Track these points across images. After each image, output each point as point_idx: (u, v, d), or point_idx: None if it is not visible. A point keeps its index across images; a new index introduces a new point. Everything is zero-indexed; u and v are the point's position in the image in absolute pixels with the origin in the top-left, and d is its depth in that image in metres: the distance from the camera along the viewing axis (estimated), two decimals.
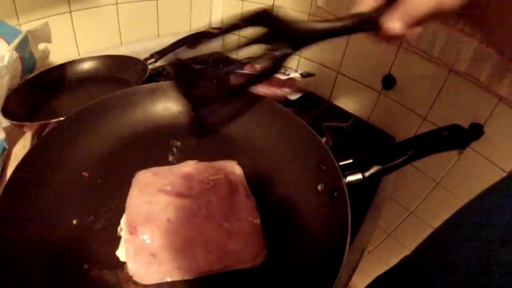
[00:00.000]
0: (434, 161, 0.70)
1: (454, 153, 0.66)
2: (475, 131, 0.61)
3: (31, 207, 0.35)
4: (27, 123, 0.49)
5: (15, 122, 0.49)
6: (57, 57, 0.65)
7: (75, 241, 0.34)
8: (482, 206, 0.31)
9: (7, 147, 0.49)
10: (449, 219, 0.34)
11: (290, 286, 0.31)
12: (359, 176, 0.36)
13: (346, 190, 0.33)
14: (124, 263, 0.31)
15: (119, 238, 0.33)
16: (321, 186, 0.37)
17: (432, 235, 0.36)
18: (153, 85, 0.48)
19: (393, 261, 0.93)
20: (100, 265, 0.32)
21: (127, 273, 0.31)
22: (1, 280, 0.26)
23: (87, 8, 0.66)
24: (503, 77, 0.53)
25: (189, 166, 0.38)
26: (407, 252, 0.97)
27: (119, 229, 0.34)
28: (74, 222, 0.36)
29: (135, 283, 0.30)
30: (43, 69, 0.61)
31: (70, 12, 0.64)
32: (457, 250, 0.28)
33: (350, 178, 0.36)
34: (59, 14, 0.63)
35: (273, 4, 0.80)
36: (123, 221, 0.34)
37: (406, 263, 0.38)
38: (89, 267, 0.32)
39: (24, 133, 0.54)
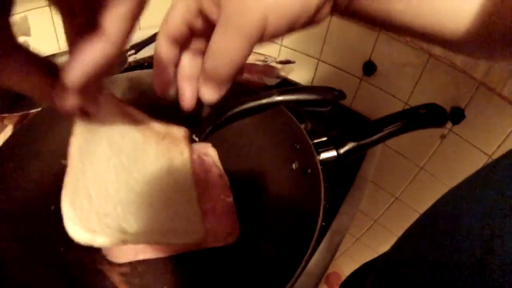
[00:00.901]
0: (417, 146, 0.71)
1: (436, 138, 0.67)
2: (456, 115, 0.62)
3: (10, 195, 0.35)
4: (7, 115, 0.49)
5: None
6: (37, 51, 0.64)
7: (52, 226, 0.34)
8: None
9: None
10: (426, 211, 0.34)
11: (262, 263, 0.32)
12: (333, 153, 0.37)
13: (319, 166, 0.34)
14: None
15: None
16: (295, 165, 0.37)
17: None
18: (130, 73, 0.49)
19: (381, 247, 0.95)
20: (76, 247, 0.32)
21: (102, 253, 0.31)
22: None
23: None
24: (478, 61, 0.55)
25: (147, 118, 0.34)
26: (394, 238, 0.99)
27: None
28: (52, 208, 0.36)
29: (110, 262, 0.30)
30: None
31: (50, 5, 0.64)
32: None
33: (324, 155, 0.36)
34: (38, 7, 0.63)
35: None
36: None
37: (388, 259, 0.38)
38: (65, 250, 0.32)
39: (5, 127, 0.54)
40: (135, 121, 0.32)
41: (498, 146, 0.58)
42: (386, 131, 0.41)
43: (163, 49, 0.24)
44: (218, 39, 0.20)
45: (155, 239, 0.25)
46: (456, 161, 0.67)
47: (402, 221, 0.83)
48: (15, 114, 0.48)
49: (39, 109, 0.45)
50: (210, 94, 0.23)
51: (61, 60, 0.66)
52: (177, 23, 0.23)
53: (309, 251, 0.28)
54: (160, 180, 0.30)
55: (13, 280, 0.29)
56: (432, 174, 0.71)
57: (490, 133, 0.59)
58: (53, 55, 0.65)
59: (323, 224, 0.42)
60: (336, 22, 0.70)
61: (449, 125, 0.63)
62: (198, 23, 0.23)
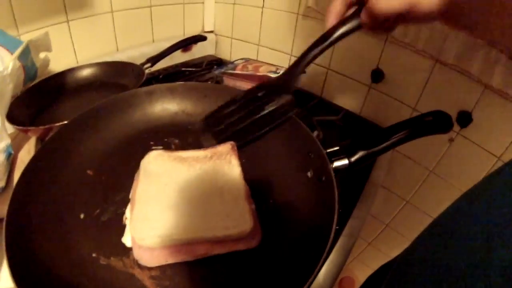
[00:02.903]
0: (426, 150, 0.72)
1: (445, 141, 0.68)
2: (464, 119, 0.63)
3: (40, 204, 0.36)
4: (33, 128, 0.51)
5: (20, 127, 0.51)
6: (56, 65, 0.67)
7: (83, 233, 0.36)
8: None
9: (13, 152, 0.52)
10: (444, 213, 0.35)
11: (282, 265, 0.33)
12: (345, 161, 0.39)
13: (333, 174, 0.35)
14: (130, 249, 0.33)
15: (125, 226, 0.35)
16: (311, 173, 0.39)
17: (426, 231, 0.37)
18: (150, 87, 0.51)
19: (394, 252, 0.96)
20: (107, 253, 0.34)
21: (133, 258, 0.33)
22: (15, 270, 0.28)
23: (83, 17, 0.69)
24: (494, 69, 0.56)
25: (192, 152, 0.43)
26: (406, 242, 1.01)
27: (124, 218, 0.36)
28: (81, 216, 0.37)
29: (140, 266, 0.32)
30: (44, 77, 0.64)
31: (68, 21, 0.67)
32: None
33: (337, 163, 0.39)
34: (57, 23, 0.66)
35: (262, 6, 0.83)
36: (127, 211, 0.36)
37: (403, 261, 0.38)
38: (97, 255, 0.34)
39: (28, 138, 0.56)
40: (182, 160, 0.42)
41: (506, 148, 0.59)
42: (394, 139, 0.42)
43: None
44: None
45: (212, 233, 0.33)
46: (465, 164, 0.67)
47: (414, 225, 0.83)
48: (40, 127, 0.50)
49: (62, 122, 0.46)
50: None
51: (78, 73, 0.69)
52: None
53: (324, 254, 0.29)
54: (211, 184, 0.38)
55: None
56: (442, 177, 0.72)
57: (498, 135, 0.60)
58: (72, 69, 0.68)
59: (337, 227, 0.43)
60: None
61: (457, 128, 0.64)
62: None
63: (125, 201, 0.39)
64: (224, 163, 0.41)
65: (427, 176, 0.75)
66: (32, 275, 0.29)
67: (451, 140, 0.67)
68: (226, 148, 0.43)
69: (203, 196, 0.37)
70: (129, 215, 0.35)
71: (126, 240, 0.34)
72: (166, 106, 0.52)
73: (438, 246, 0.30)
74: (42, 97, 0.62)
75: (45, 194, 0.38)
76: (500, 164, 0.61)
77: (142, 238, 0.31)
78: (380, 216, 0.90)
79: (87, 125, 0.46)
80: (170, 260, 0.32)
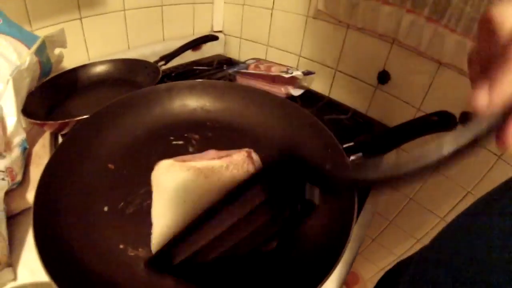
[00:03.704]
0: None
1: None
2: (466, 118, 0.66)
3: (64, 197, 0.37)
4: (50, 122, 0.51)
5: (38, 122, 0.51)
6: (69, 62, 0.68)
7: (109, 225, 0.37)
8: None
9: (27, 146, 0.52)
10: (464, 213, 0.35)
11: (296, 267, 0.34)
12: (359, 155, 0.41)
13: (350, 167, 0.37)
14: None
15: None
16: (328, 166, 0.40)
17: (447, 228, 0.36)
18: (169, 84, 0.52)
19: (397, 248, 0.97)
20: (135, 244, 0.35)
21: None
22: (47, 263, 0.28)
23: (96, 15, 0.70)
24: None
25: (213, 153, 0.42)
26: (410, 238, 1.03)
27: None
28: (105, 209, 0.38)
29: None
30: (58, 73, 0.64)
31: (81, 18, 0.68)
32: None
33: (353, 157, 0.41)
34: (71, 20, 0.67)
35: (272, 7, 0.84)
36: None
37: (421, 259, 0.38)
38: (124, 246, 0.35)
39: (43, 133, 0.57)
40: (198, 171, 0.39)
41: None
42: (403, 136, 0.45)
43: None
44: None
45: None
46: (468, 164, 0.70)
47: (417, 221, 0.85)
48: (58, 121, 0.50)
49: (81, 117, 0.47)
50: None
51: (91, 70, 0.69)
52: None
53: (345, 248, 0.30)
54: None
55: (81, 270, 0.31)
56: (445, 175, 0.74)
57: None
58: (85, 65, 0.68)
59: None
60: (352, 34, 0.74)
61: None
62: None
63: (149, 193, 0.40)
64: (241, 174, 0.39)
65: (432, 174, 0.77)
66: (62, 266, 0.30)
67: None
68: (241, 156, 0.41)
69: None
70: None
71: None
72: (185, 102, 0.53)
73: (460, 244, 0.30)
74: (56, 92, 0.62)
75: (68, 188, 0.39)
76: (500, 162, 0.63)
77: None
78: (384, 213, 0.92)
79: (108, 119, 0.47)
80: None
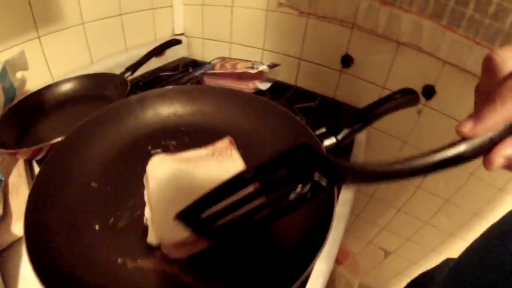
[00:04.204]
0: (398, 124, 0.79)
1: (415, 113, 0.75)
2: (428, 92, 0.70)
3: (53, 222, 0.37)
4: (23, 149, 0.50)
5: (10, 151, 0.50)
6: (32, 84, 0.66)
7: (103, 243, 0.37)
8: None
9: (3, 178, 0.51)
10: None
11: (286, 247, 0.36)
12: (333, 140, 0.44)
13: (325, 152, 0.40)
14: (155, 247, 0.35)
15: (145, 228, 0.37)
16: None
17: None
18: (141, 94, 0.52)
19: (380, 219, 1.03)
20: (133, 256, 0.35)
21: (160, 256, 0.35)
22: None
23: (54, 32, 0.68)
24: (440, 42, 0.63)
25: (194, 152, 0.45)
26: (392, 210, 1.08)
27: (145, 219, 0.38)
28: (97, 227, 0.38)
29: (169, 262, 0.34)
30: (22, 97, 0.62)
31: (39, 37, 0.66)
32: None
33: (326, 142, 0.43)
34: (28, 40, 0.64)
35: (232, 5, 0.85)
36: (147, 212, 0.38)
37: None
38: (123, 260, 0.35)
39: (16, 161, 0.55)
40: (187, 161, 0.44)
41: (468, 112, 0.67)
42: (371, 115, 0.48)
43: None
44: None
45: None
46: (433, 132, 0.75)
47: (395, 192, 0.91)
48: (32, 148, 0.49)
49: (55, 140, 0.46)
50: None
51: (57, 89, 0.67)
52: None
53: (331, 225, 0.32)
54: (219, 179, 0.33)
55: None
56: (415, 145, 0.80)
57: (459, 102, 0.67)
58: (50, 86, 0.66)
59: None
60: (313, 23, 0.77)
61: (423, 101, 0.71)
62: None
63: (138, 205, 0.41)
64: (226, 158, 0.44)
65: (402, 147, 0.82)
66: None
67: (419, 112, 0.74)
68: (224, 143, 0.46)
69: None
70: (149, 216, 0.37)
71: (152, 239, 0.36)
72: (158, 111, 0.53)
73: (496, 248, 0.31)
74: (24, 118, 0.61)
75: (55, 213, 0.38)
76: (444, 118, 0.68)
77: (169, 237, 0.34)
78: (364, 189, 0.97)
79: (83, 138, 0.47)
80: (197, 249, 0.34)
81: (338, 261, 1.13)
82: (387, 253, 1.09)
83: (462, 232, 0.87)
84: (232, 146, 0.45)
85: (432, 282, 0.42)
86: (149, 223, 0.37)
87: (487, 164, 0.22)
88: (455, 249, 0.91)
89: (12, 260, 0.40)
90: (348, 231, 1.11)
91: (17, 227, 0.43)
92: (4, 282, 0.36)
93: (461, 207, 0.83)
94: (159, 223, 0.35)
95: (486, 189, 0.76)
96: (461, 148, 0.22)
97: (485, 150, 0.22)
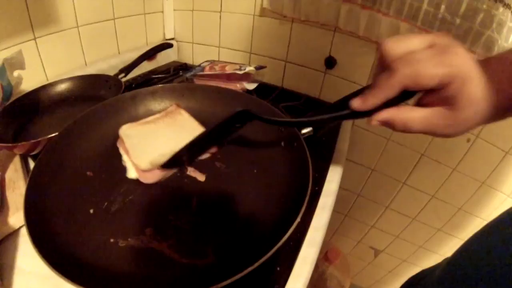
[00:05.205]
0: None
1: None
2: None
3: (51, 207, 0.40)
4: (21, 143, 0.52)
5: (8, 144, 0.52)
6: (27, 84, 0.68)
7: (96, 225, 0.40)
8: None
9: (0, 173, 0.53)
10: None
11: (267, 220, 0.40)
12: (309, 128, 0.49)
13: (302, 138, 0.45)
14: (144, 227, 0.39)
15: (136, 211, 0.41)
16: (283, 142, 0.48)
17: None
18: (133, 92, 0.56)
19: (369, 218, 1.06)
20: (124, 235, 0.38)
21: (149, 234, 0.38)
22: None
23: (50, 34, 0.71)
24: None
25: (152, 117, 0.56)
26: (380, 207, 1.12)
27: (122, 161, 0.48)
28: (91, 211, 0.41)
29: (158, 240, 0.37)
30: (18, 96, 0.64)
31: (35, 39, 0.68)
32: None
33: (304, 130, 0.49)
34: (25, 41, 0.67)
35: (220, 10, 0.89)
36: (124, 156, 0.49)
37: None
38: (115, 239, 0.38)
39: (12, 157, 0.57)
40: (149, 122, 0.54)
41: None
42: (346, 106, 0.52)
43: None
44: None
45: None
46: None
47: (382, 190, 0.94)
48: (30, 141, 0.51)
49: (52, 135, 0.49)
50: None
51: (52, 89, 0.70)
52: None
53: (306, 201, 0.36)
54: (176, 126, 0.52)
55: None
56: (401, 143, 0.84)
57: None
58: (45, 86, 0.69)
59: (316, 188, 0.51)
60: (297, 27, 0.81)
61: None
62: None
63: (129, 190, 0.44)
64: (177, 115, 0.55)
65: (386, 144, 0.86)
66: (64, 261, 0.33)
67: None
68: (172, 108, 0.56)
69: (174, 134, 0.51)
70: (126, 158, 0.48)
71: (131, 174, 0.46)
72: (149, 107, 0.57)
73: (494, 243, 0.32)
74: (20, 115, 0.63)
75: (52, 199, 0.41)
76: None
77: (144, 165, 0.44)
78: (351, 188, 1.00)
79: (79, 132, 0.50)
80: (167, 174, 0.46)
81: (329, 260, 1.15)
82: (377, 252, 1.12)
83: (449, 228, 0.90)
84: (180, 108, 0.56)
85: (431, 275, 0.44)
86: (127, 165, 0.47)
87: (367, 122, 0.33)
88: (443, 245, 0.94)
89: (9, 251, 0.41)
90: (337, 230, 1.13)
91: (14, 219, 0.44)
92: (0, 272, 0.38)
93: (447, 203, 0.86)
94: (135, 157, 0.46)
95: (470, 184, 0.79)
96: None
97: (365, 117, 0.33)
